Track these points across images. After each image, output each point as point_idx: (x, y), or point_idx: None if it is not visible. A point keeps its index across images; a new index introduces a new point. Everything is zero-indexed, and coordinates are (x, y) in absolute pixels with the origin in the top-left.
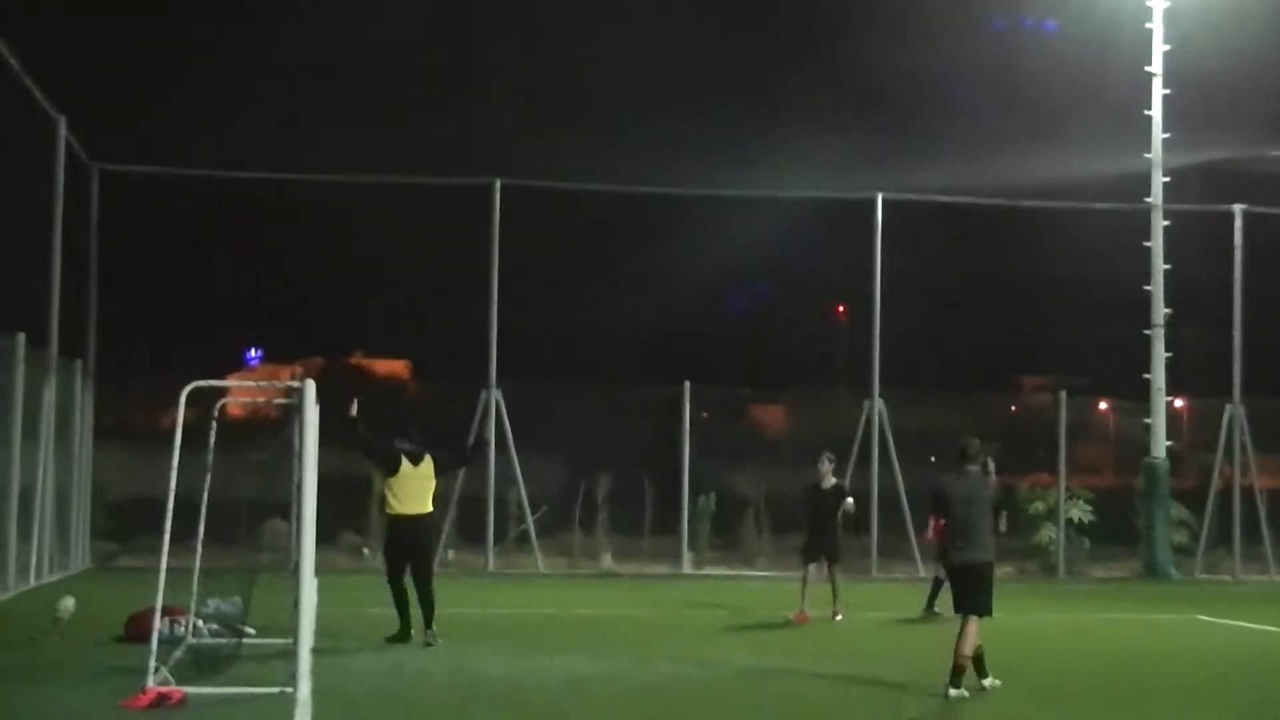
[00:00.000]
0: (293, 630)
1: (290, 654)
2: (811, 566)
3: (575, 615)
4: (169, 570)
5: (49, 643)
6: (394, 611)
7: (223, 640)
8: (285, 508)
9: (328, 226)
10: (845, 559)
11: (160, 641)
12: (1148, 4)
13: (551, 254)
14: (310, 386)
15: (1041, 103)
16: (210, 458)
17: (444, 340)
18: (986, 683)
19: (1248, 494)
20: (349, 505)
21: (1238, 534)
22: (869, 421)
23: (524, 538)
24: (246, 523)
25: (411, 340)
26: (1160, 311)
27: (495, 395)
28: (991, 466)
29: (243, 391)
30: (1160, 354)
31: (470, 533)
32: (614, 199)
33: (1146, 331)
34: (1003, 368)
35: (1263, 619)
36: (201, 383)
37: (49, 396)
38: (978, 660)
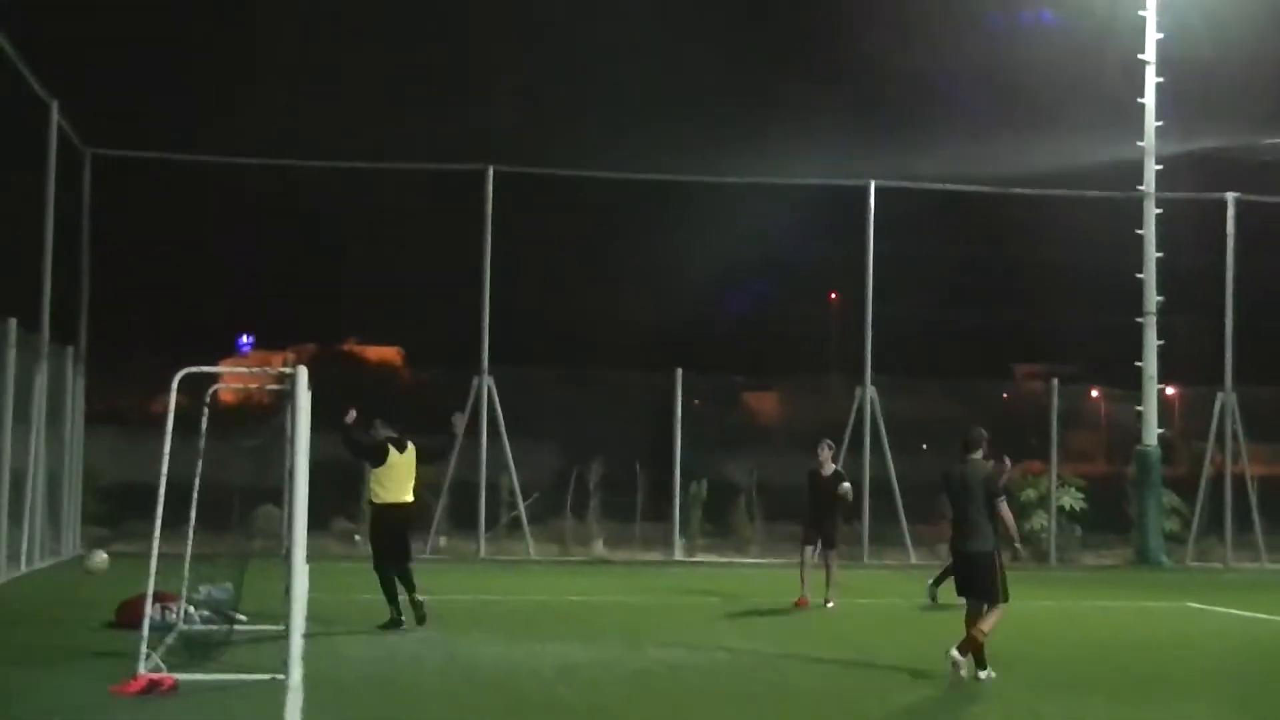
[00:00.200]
0: (284, 616)
1: (282, 640)
2: (809, 549)
3: (567, 602)
4: (160, 556)
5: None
6: (384, 598)
7: (214, 626)
8: (277, 494)
9: (322, 213)
10: (838, 545)
11: (151, 628)
12: None
13: (545, 241)
14: (302, 372)
15: (1035, 91)
16: (202, 443)
17: (437, 327)
18: (983, 675)
19: (1239, 481)
20: (341, 491)
21: (1229, 521)
22: (860, 408)
23: (516, 524)
24: (238, 509)
25: (404, 327)
26: (1152, 299)
27: (487, 382)
28: (1007, 459)
29: (235, 377)
30: (1152, 342)
31: (462, 519)
32: (607, 186)
33: (1139, 319)
34: (995, 355)
35: (1254, 606)
36: (193, 368)
37: (40, 382)
38: (978, 651)
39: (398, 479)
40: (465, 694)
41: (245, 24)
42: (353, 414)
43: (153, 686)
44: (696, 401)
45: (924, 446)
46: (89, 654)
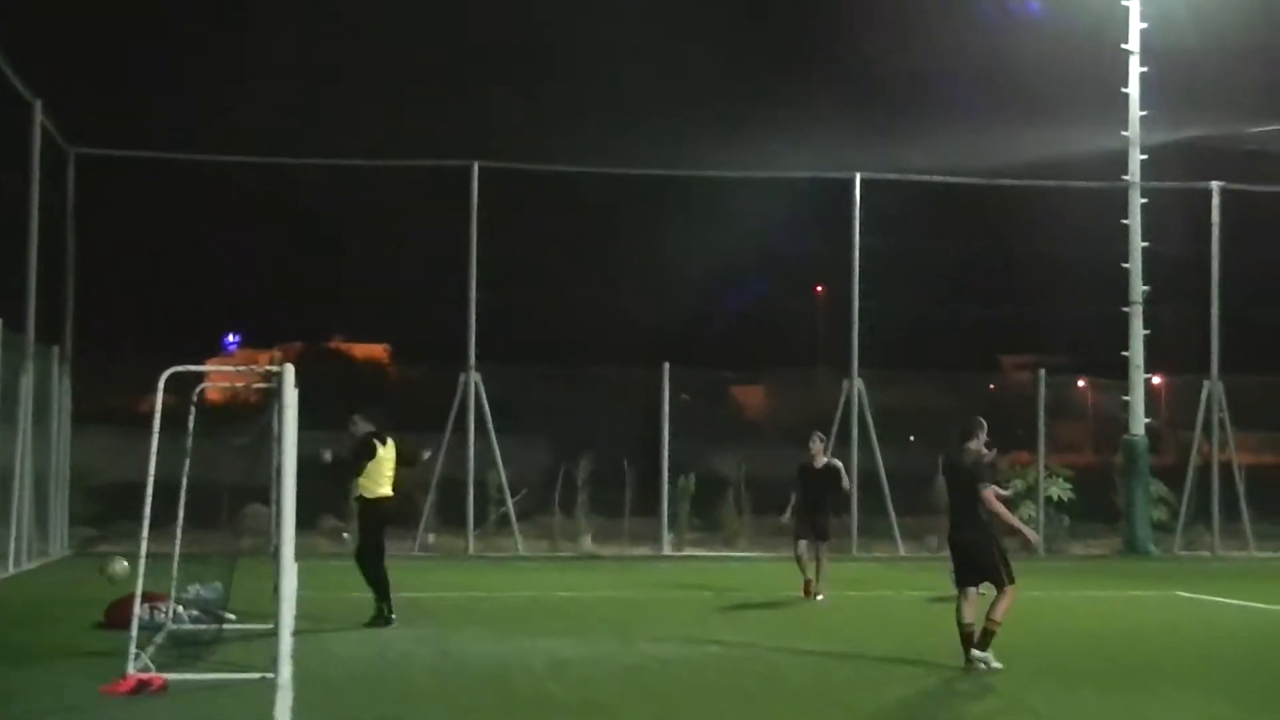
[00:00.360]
0: (273, 615)
1: (271, 639)
2: (803, 544)
3: (557, 598)
4: (149, 556)
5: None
6: (373, 595)
7: (203, 626)
8: (265, 492)
9: (309, 211)
10: (830, 538)
11: (141, 628)
12: None
13: (532, 237)
14: (289, 370)
15: (1021, 82)
16: (190, 443)
17: (425, 324)
18: (975, 654)
19: (1226, 470)
20: (329, 489)
21: (1216, 510)
22: (848, 401)
23: (504, 520)
24: (227, 508)
25: (391, 324)
26: (1138, 289)
27: (475, 378)
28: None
29: (222, 376)
30: (1139, 331)
31: (450, 516)
32: (595, 182)
33: (1125, 309)
34: (983, 347)
35: (1242, 595)
36: (180, 368)
37: (26, 382)
38: (966, 640)
39: (384, 473)
40: (456, 690)
41: (233, 21)
42: (328, 455)
43: (142, 686)
44: (684, 396)
45: (911, 439)
46: (78, 654)
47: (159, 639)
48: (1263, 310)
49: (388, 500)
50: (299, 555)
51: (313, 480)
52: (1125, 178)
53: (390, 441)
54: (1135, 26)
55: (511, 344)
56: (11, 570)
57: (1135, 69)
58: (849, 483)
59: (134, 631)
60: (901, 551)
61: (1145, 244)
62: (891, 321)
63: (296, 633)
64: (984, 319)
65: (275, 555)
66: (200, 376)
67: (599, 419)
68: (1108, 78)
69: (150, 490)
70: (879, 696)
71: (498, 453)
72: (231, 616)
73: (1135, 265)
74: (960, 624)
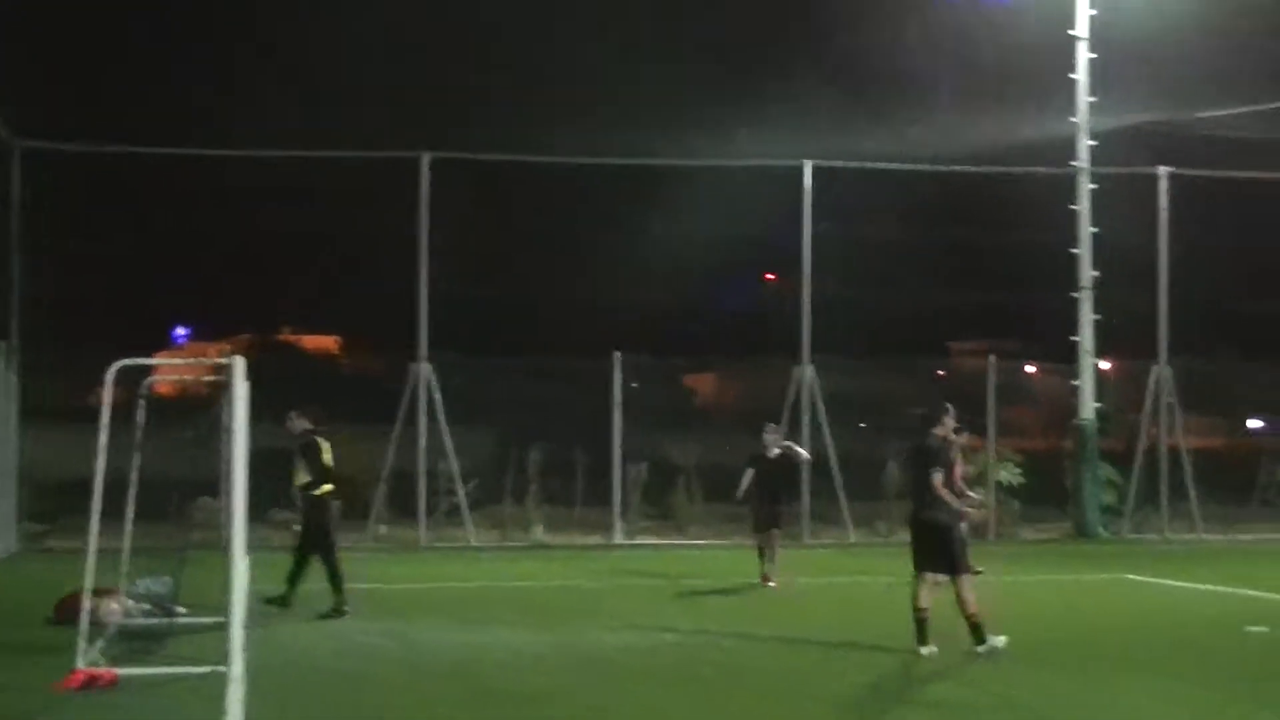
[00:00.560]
0: (225, 608)
1: (223, 632)
2: (772, 532)
3: (510, 587)
4: (99, 551)
5: None
6: (327, 586)
7: (154, 620)
8: (216, 485)
9: (256, 202)
10: (782, 526)
11: (90, 623)
12: None
13: (482, 226)
14: (239, 363)
15: (971, 69)
16: (139, 436)
17: (375, 314)
18: (925, 651)
19: (1174, 454)
20: (280, 482)
21: (1165, 494)
22: (799, 388)
23: (455, 511)
24: (177, 501)
25: (342, 315)
26: (1087, 274)
27: (426, 369)
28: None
29: (170, 369)
30: (1088, 316)
31: (401, 507)
32: (543, 171)
33: (1074, 295)
34: (933, 332)
35: (1191, 577)
36: (128, 361)
37: None
38: (920, 625)
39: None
40: (409, 681)
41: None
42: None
43: (92, 681)
44: (635, 384)
45: (862, 425)
46: (28, 651)
47: (109, 634)
48: (1210, 294)
49: (331, 495)
50: (250, 548)
51: (263, 473)
52: (1074, 163)
53: (327, 441)
54: (1084, 13)
55: (462, 333)
56: None
57: (1083, 55)
58: (805, 455)
59: (83, 627)
60: (852, 538)
61: (1094, 230)
62: (842, 308)
63: (247, 625)
64: (934, 305)
65: (226, 548)
66: (149, 370)
67: (550, 408)
68: (1059, 64)
69: (100, 485)
70: (836, 682)
71: (449, 443)
72: (182, 610)
73: (1084, 251)
74: (915, 608)
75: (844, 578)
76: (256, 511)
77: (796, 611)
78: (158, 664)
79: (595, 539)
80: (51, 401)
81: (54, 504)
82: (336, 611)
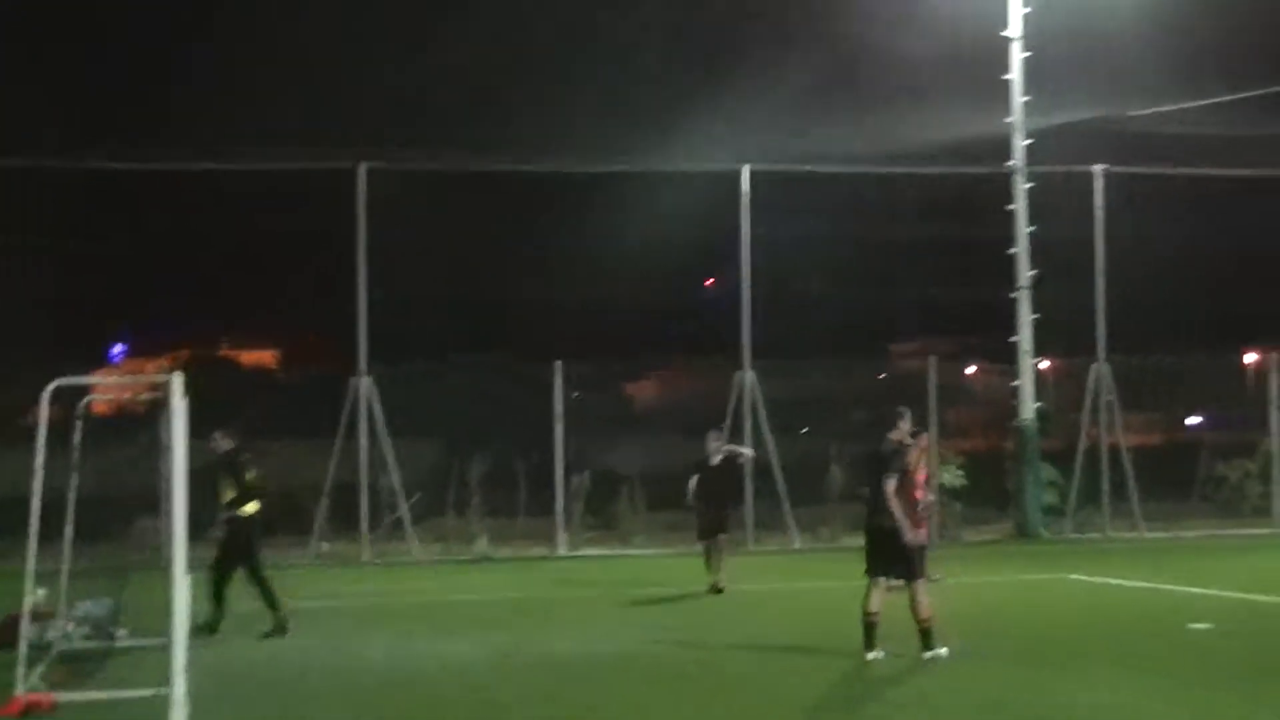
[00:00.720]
0: (166, 629)
1: (165, 653)
2: (710, 543)
3: (455, 600)
4: (37, 573)
5: None
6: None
7: (94, 643)
8: (156, 504)
9: (194, 216)
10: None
11: (29, 647)
12: None
13: (421, 236)
14: (178, 379)
15: (908, 69)
16: (76, 456)
17: (313, 328)
18: (870, 655)
19: (1115, 452)
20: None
21: (1106, 492)
22: (740, 392)
23: (398, 525)
24: (116, 521)
25: (280, 328)
26: (1025, 274)
27: (365, 382)
28: (923, 438)
29: (108, 387)
30: (1026, 316)
31: (344, 522)
32: (481, 179)
33: (1013, 294)
34: (873, 334)
35: (1133, 575)
36: (65, 380)
37: None
38: (869, 629)
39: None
40: (355, 697)
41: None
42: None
43: (32, 707)
44: (575, 394)
45: (805, 430)
46: None
47: (49, 658)
48: (1148, 291)
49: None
50: (191, 567)
51: (204, 491)
52: (1010, 163)
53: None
54: (1017, 12)
55: (402, 345)
56: None
57: (1017, 55)
58: (748, 452)
59: (22, 651)
60: (796, 543)
61: (1031, 229)
62: (783, 312)
63: (191, 646)
64: (874, 307)
65: (167, 568)
66: (86, 388)
67: (491, 419)
68: (993, 63)
69: (37, 506)
70: (785, 687)
71: (390, 456)
72: (123, 632)
73: (1021, 250)
74: (865, 612)
75: (787, 584)
76: (198, 530)
77: (744, 618)
78: (99, 688)
79: (539, 550)
80: None
81: None
82: (279, 630)
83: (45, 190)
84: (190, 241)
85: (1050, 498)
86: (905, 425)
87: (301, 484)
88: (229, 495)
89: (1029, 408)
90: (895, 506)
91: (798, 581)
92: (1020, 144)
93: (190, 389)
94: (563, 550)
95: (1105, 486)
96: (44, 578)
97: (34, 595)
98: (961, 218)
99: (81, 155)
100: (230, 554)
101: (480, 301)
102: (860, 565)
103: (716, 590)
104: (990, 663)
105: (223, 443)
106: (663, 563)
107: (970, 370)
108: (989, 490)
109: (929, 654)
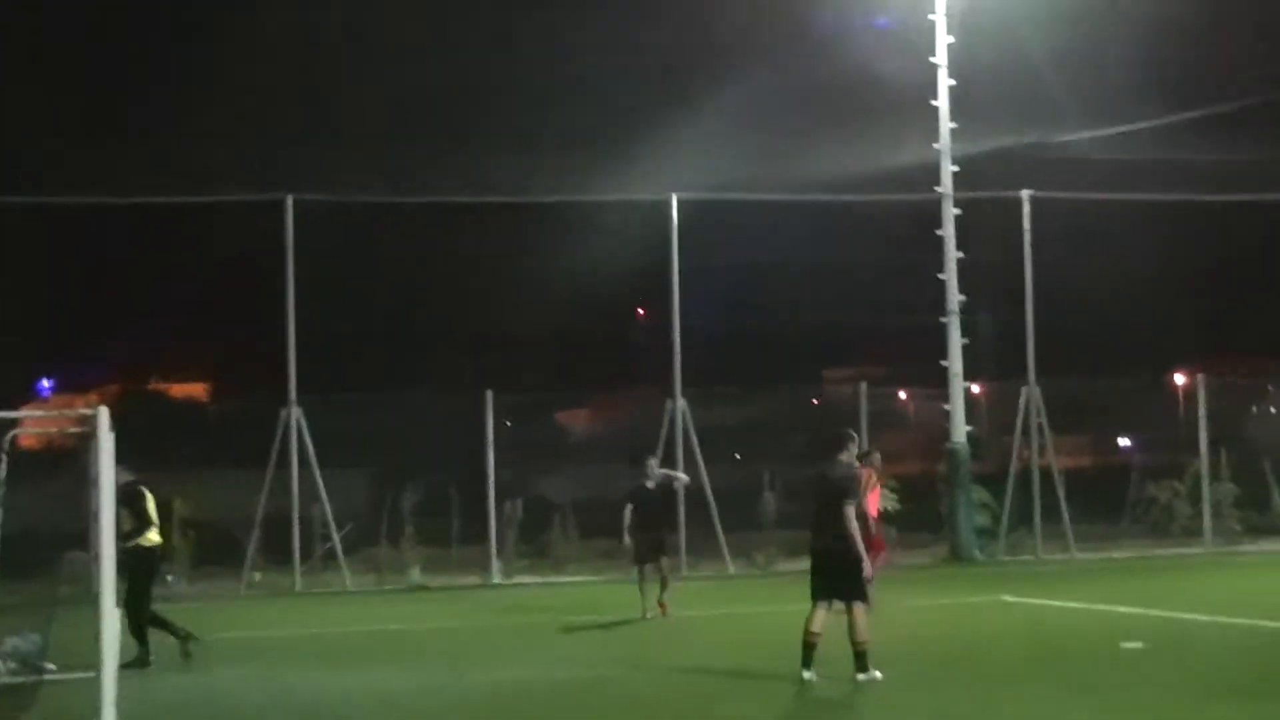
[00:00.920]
0: (96, 663)
1: (94, 687)
2: (648, 568)
3: (386, 631)
4: None
5: None
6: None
7: (22, 678)
8: (84, 538)
9: (121, 251)
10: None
11: None
12: None
13: (351, 267)
14: (104, 414)
15: (836, 97)
16: (2, 491)
17: (243, 360)
18: (806, 675)
19: (1046, 474)
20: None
21: (1038, 514)
22: (673, 421)
23: (330, 556)
24: (44, 556)
25: (211, 361)
26: (955, 299)
27: (296, 413)
28: (876, 458)
29: (34, 422)
30: (956, 340)
31: (275, 553)
32: (411, 210)
33: (943, 319)
34: (805, 361)
35: (1066, 596)
36: None
37: None
38: (808, 649)
39: (150, 520)
40: None
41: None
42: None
43: None
44: (508, 422)
45: (737, 456)
46: None
47: None
48: (1078, 314)
49: (159, 546)
50: (121, 600)
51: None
52: (938, 189)
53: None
54: (942, 40)
55: (332, 376)
56: None
57: (944, 81)
58: (683, 478)
59: None
60: (731, 569)
61: (960, 254)
62: (713, 340)
63: (119, 679)
64: (806, 334)
65: (95, 601)
66: (12, 423)
67: (423, 448)
68: (921, 90)
69: None
70: (725, 713)
71: (321, 487)
72: (52, 667)
73: (950, 275)
74: (807, 631)
75: (722, 610)
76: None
77: (681, 643)
78: None
79: (473, 579)
80: None
81: None
82: (140, 663)
83: None
84: (119, 274)
85: (983, 520)
86: (854, 448)
87: (234, 515)
88: (127, 527)
89: (960, 431)
90: (856, 534)
91: (733, 607)
92: (948, 169)
93: (119, 423)
94: (497, 578)
95: (1037, 508)
96: None
97: None
98: (892, 243)
99: (5, 189)
100: (136, 585)
101: (411, 332)
102: (797, 589)
103: (662, 613)
104: (925, 684)
105: (122, 475)
106: (597, 589)
107: (903, 395)
108: (922, 514)
109: (863, 676)
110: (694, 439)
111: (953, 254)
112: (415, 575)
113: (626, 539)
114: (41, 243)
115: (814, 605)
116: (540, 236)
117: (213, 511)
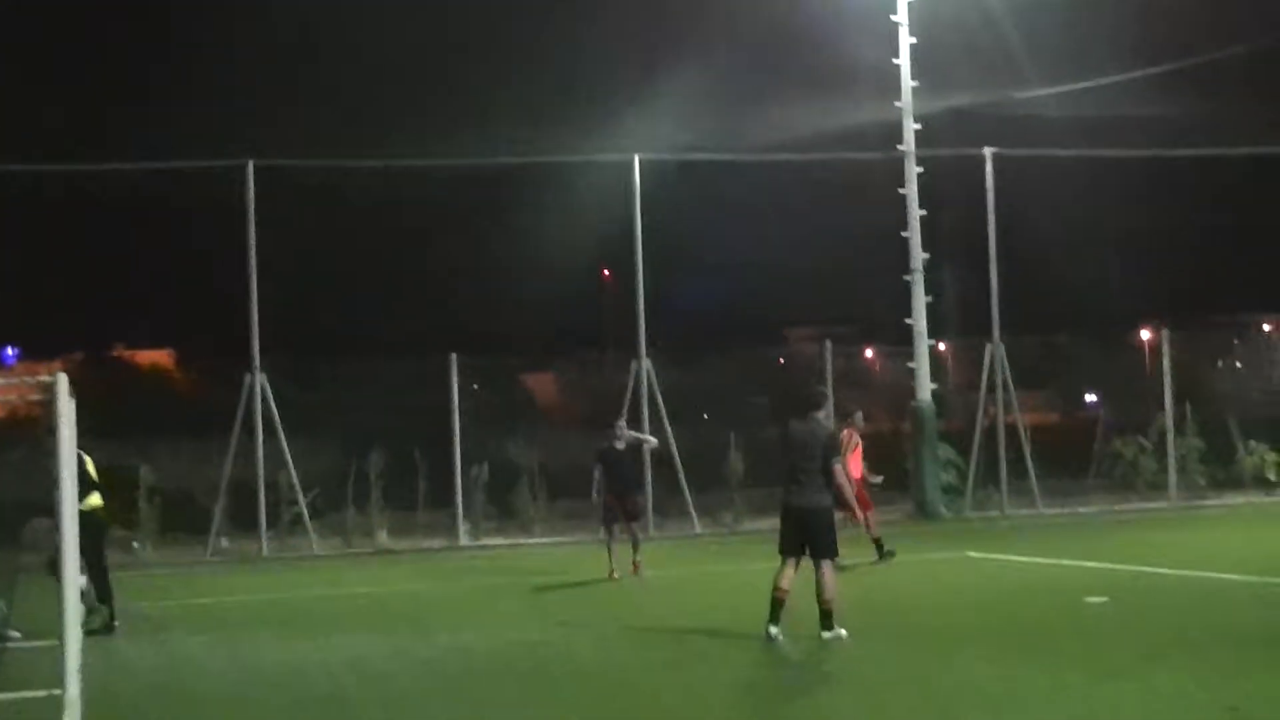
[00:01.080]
0: (59, 630)
1: (57, 654)
2: (615, 528)
3: (353, 595)
4: None
5: None
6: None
7: None
8: (50, 505)
9: (87, 217)
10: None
11: None
12: None
13: (315, 232)
14: (62, 380)
15: (797, 56)
16: None
17: (208, 326)
18: (773, 630)
19: (1012, 431)
20: (119, 499)
21: (1004, 471)
22: (637, 382)
23: (297, 521)
24: (9, 523)
25: (176, 329)
26: (918, 257)
27: (260, 379)
28: (859, 417)
29: None
30: (920, 298)
31: (242, 519)
32: (372, 176)
33: (906, 277)
34: (769, 321)
35: (1031, 552)
36: None
37: None
38: (776, 605)
39: (95, 483)
40: (249, 694)
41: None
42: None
43: None
44: (475, 386)
45: (705, 416)
46: None
47: None
48: (1040, 270)
49: (100, 510)
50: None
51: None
52: (900, 147)
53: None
54: None
55: (297, 340)
56: None
57: (905, 40)
58: (651, 440)
59: None
60: (698, 529)
61: (923, 212)
62: (677, 301)
63: (84, 646)
64: (769, 293)
65: (51, 568)
66: None
67: (388, 412)
68: (883, 49)
69: None
70: (688, 674)
71: (287, 452)
72: (16, 634)
73: (914, 234)
74: (776, 587)
75: (689, 569)
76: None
77: (650, 603)
78: None
79: (440, 542)
80: None
81: None
82: (105, 628)
83: None
84: (83, 243)
85: (949, 477)
86: (829, 407)
87: (200, 483)
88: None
89: (925, 389)
90: (847, 488)
91: (702, 566)
92: (910, 128)
93: (83, 390)
94: (464, 541)
95: (1003, 465)
96: None
97: None
98: (856, 202)
99: None
100: (87, 549)
101: (375, 296)
102: (765, 548)
103: (634, 571)
104: (886, 642)
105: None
106: (564, 551)
107: (869, 354)
108: (889, 472)
109: (829, 635)
110: (659, 400)
111: (915, 212)
112: (383, 539)
113: (595, 498)
114: (4, 211)
115: (783, 562)
116: (507, 200)
117: (179, 479)
